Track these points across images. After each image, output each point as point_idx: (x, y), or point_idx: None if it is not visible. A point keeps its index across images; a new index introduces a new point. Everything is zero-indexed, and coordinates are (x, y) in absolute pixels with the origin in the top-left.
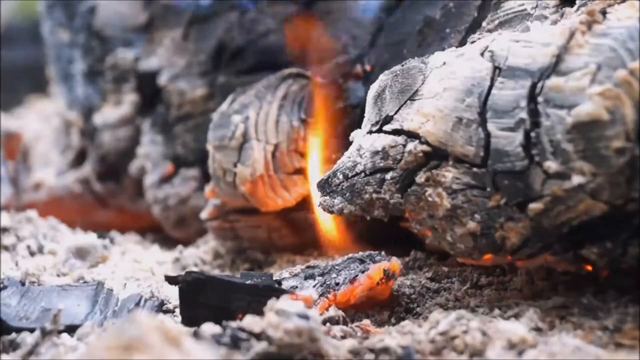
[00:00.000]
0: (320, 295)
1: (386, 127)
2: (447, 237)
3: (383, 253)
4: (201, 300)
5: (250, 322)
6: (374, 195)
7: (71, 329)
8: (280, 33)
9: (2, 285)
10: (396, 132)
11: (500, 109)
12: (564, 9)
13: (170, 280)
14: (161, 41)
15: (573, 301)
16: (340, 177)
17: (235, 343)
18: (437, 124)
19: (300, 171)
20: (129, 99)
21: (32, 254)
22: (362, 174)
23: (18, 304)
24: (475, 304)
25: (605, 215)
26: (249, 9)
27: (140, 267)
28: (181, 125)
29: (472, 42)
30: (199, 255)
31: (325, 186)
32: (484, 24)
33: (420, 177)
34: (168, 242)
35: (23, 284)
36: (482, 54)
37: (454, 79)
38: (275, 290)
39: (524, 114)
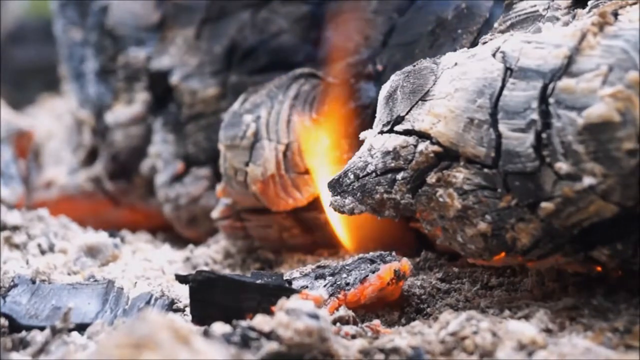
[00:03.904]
0: (331, 295)
1: (397, 128)
2: (457, 238)
3: (394, 253)
4: (211, 300)
5: (260, 321)
6: (385, 196)
7: (81, 327)
8: (292, 33)
9: (12, 283)
10: (407, 132)
11: (512, 110)
12: (575, 10)
13: (181, 279)
14: (173, 40)
15: (583, 302)
16: (351, 177)
17: (245, 342)
18: (449, 125)
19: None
20: (141, 98)
21: (43, 252)
22: (373, 174)
23: (28, 302)
24: (486, 304)
25: (616, 217)
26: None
27: (151, 266)
28: (193, 124)
29: (484, 43)
30: (210, 255)
31: (336, 186)
32: (495, 25)
33: (431, 178)
34: (179, 241)
35: (34, 282)
36: (493, 55)
37: (466, 79)
38: (285, 289)
39: (535, 115)
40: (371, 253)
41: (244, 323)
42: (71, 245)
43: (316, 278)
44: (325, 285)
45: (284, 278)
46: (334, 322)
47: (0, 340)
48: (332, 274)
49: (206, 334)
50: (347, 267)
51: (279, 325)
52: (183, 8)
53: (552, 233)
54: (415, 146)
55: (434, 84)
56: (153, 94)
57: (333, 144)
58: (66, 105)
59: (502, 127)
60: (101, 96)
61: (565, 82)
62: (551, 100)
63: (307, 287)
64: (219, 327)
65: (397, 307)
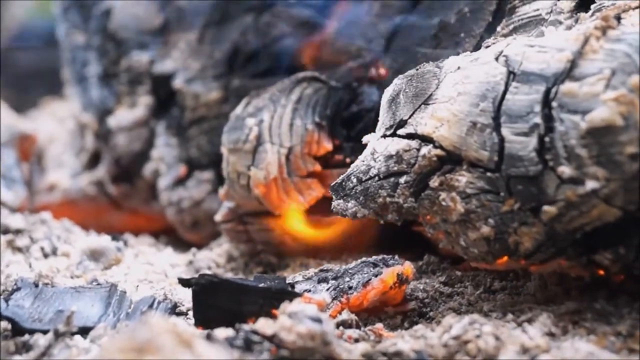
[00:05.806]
0: (333, 299)
1: (400, 131)
2: (460, 242)
3: (397, 257)
4: (214, 303)
5: (263, 325)
6: (388, 199)
7: (84, 331)
8: (294, 37)
9: (15, 287)
10: (410, 136)
11: (515, 113)
12: (578, 14)
13: (184, 282)
14: (176, 44)
15: (586, 306)
16: (354, 180)
17: (248, 346)
18: (451, 129)
19: (314, 174)
20: (144, 102)
21: (45, 255)
22: (376, 178)
23: (31, 306)
24: (489, 308)
25: (619, 221)
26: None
27: (153, 269)
28: (195, 128)
29: (487, 47)
30: (213, 258)
31: (339, 189)
32: (498, 28)
33: (434, 182)
34: (181, 245)
35: (37, 285)
36: (496, 59)
37: (469, 83)
38: (288, 293)
39: (538, 119)
40: (374, 257)
41: (246, 327)
42: (74, 249)
43: (319, 282)
44: (328, 289)
45: (287, 282)
46: (337, 326)
47: (2, 344)
48: (335, 278)
49: (209, 337)
50: (349, 271)
51: (281, 329)
52: (186, 12)
53: (555, 237)
54: (418, 150)
55: (436, 88)
56: (156, 97)
57: None
58: (69, 109)
59: (505, 131)
60: (104, 100)
61: (568, 86)
62: (554, 104)
63: (309, 290)
64: (222, 331)
65: (399, 310)
